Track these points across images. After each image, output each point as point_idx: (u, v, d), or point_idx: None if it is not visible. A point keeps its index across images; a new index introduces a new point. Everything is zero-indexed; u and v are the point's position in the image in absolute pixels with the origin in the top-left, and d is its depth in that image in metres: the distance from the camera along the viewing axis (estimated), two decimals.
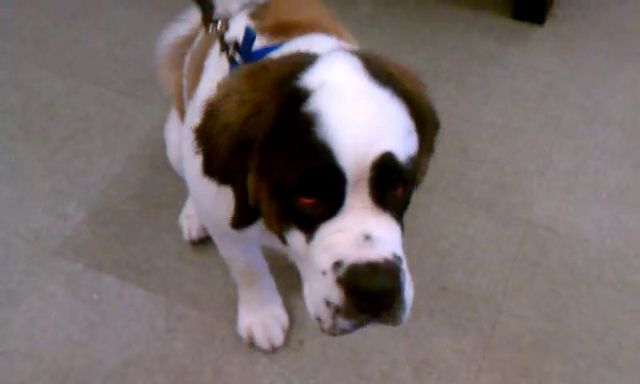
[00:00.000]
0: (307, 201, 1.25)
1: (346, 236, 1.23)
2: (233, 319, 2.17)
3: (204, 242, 2.36)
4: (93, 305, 2.24)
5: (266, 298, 2.16)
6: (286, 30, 1.60)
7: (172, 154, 2.32)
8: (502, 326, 2.21)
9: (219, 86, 1.39)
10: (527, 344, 2.17)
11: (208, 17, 1.66)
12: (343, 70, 1.30)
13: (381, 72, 1.31)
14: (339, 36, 1.60)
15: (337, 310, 1.25)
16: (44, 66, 3.15)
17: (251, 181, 1.32)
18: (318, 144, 1.21)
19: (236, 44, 1.56)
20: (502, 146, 2.79)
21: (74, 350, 2.13)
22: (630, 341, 2.19)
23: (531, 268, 2.37)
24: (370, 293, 1.22)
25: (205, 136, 1.37)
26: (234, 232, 1.78)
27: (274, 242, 1.51)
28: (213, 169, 1.39)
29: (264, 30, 1.63)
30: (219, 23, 1.62)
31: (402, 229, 1.35)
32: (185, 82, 2.00)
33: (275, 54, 1.47)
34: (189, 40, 2.13)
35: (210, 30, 1.64)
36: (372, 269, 1.21)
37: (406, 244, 2.33)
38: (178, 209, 2.46)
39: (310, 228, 1.27)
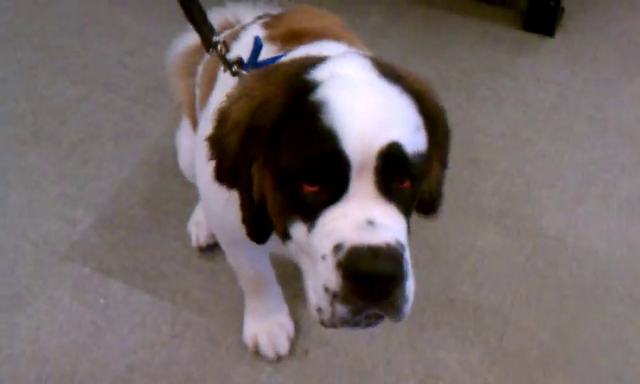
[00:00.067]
0: (311, 188, 1.23)
1: (348, 221, 1.21)
2: (239, 327, 2.17)
3: (211, 248, 2.37)
4: (99, 309, 2.25)
5: (273, 307, 2.16)
6: (297, 37, 1.60)
7: (183, 160, 2.33)
8: (509, 338, 2.20)
9: (230, 94, 1.39)
10: (534, 357, 2.16)
11: (208, 39, 1.64)
12: (353, 66, 1.31)
13: (390, 72, 1.32)
14: (351, 44, 1.59)
15: (335, 296, 1.21)
16: (55, 72, 3.17)
17: (257, 176, 1.31)
18: (324, 130, 1.20)
19: (240, 60, 1.56)
20: (512, 157, 2.78)
21: (79, 355, 2.14)
22: (637, 356, 2.17)
23: (540, 280, 2.35)
24: (369, 276, 1.18)
25: (216, 141, 1.37)
26: (242, 240, 1.78)
27: (282, 248, 1.51)
28: (223, 171, 1.39)
29: (275, 39, 1.63)
30: (219, 46, 1.61)
31: (409, 227, 1.33)
32: (197, 91, 2.00)
33: (285, 59, 1.47)
34: (199, 49, 2.13)
35: (211, 53, 1.64)
36: (373, 253, 1.17)
37: (414, 254, 2.32)
38: (186, 215, 2.46)
39: (312, 216, 1.24)
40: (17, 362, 2.12)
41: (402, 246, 1.22)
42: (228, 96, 1.39)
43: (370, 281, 1.18)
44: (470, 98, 3.03)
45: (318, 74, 1.29)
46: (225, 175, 1.39)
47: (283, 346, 2.13)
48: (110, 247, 2.43)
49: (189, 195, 2.49)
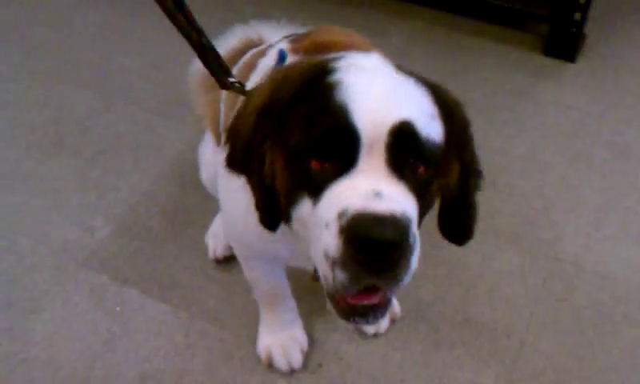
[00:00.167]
0: (320, 164, 1.23)
1: (355, 191, 1.19)
2: (253, 339, 2.17)
3: (228, 260, 2.37)
4: (115, 317, 2.25)
5: (287, 320, 2.15)
6: (321, 49, 1.59)
7: (205, 174, 2.34)
8: (524, 360, 2.18)
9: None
10: (549, 380, 2.13)
11: (225, 83, 1.63)
12: (371, 59, 1.36)
13: (408, 71, 1.36)
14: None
15: (334, 262, 1.19)
16: (78, 83, 3.21)
17: (268, 158, 1.32)
18: (335, 105, 1.22)
19: None
20: (530, 179, 2.77)
21: (93, 361, 2.14)
22: None
23: (556, 304, 2.33)
24: (369, 242, 1.14)
25: (233, 127, 1.40)
26: (259, 252, 1.78)
27: (301, 261, 1.51)
28: (235, 156, 1.40)
29: (299, 50, 1.64)
30: (236, 83, 1.62)
31: (423, 217, 1.32)
32: (222, 107, 2.02)
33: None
34: None
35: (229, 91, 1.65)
36: (376, 220, 1.15)
37: (431, 273, 2.34)
38: (204, 227, 2.47)
39: (320, 191, 1.23)
40: (32, 365, 2.13)
41: (408, 219, 1.18)
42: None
43: (371, 248, 1.15)
44: (490, 121, 3.02)
45: (338, 64, 1.32)
46: (237, 160, 1.40)
47: (297, 360, 2.12)
48: (128, 256, 2.44)
49: (207, 208, 2.50)
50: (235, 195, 1.52)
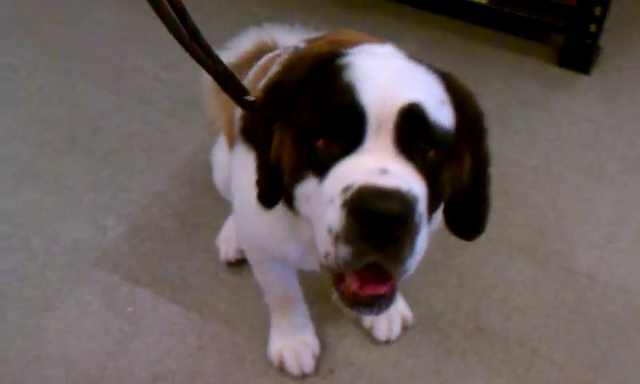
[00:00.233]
0: (328, 143, 1.23)
1: (361, 168, 1.19)
2: (264, 342, 2.16)
3: (239, 263, 2.37)
4: (127, 317, 2.25)
5: (299, 325, 2.15)
6: (337, 45, 1.58)
7: (218, 176, 2.33)
8: (536, 370, 2.17)
9: None
10: None
11: (243, 103, 1.58)
12: (384, 47, 1.41)
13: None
14: None
15: (337, 237, 1.18)
16: (92, 82, 3.22)
17: (277, 137, 1.33)
18: (344, 84, 1.23)
19: None
20: (543, 191, 2.76)
21: (105, 361, 2.14)
22: None
23: (569, 315, 2.32)
24: (372, 215, 1.13)
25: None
26: (271, 255, 1.78)
27: (312, 263, 1.50)
28: (248, 129, 1.43)
29: (313, 48, 1.64)
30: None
31: (436, 204, 1.32)
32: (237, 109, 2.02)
33: None
34: (234, 67, 2.15)
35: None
36: (380, 193, 1.14)
37: (443, 282, 2.34)
38: (216, 229, 2.47)
39: (325, 169, 1.23)
40: (44, 363, 2.13)
41: (414, 197, 1.17)
42: None
43: (374, 221, 1.14)
44: (503, 131, 3.02)
45: (349, 50, 1.35)
46: (249, 134, 1.43)
47: (308, 364, 2.12)
48: (140, 257, 2.44)
49: (219, 210, 2.50)
50: (247, 194, 1.52)
